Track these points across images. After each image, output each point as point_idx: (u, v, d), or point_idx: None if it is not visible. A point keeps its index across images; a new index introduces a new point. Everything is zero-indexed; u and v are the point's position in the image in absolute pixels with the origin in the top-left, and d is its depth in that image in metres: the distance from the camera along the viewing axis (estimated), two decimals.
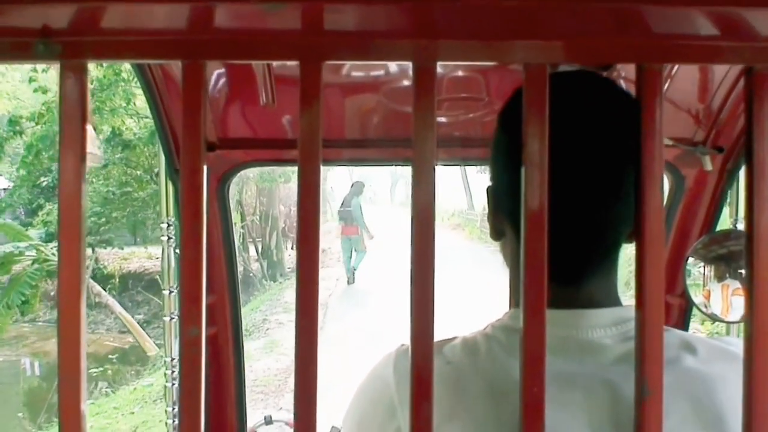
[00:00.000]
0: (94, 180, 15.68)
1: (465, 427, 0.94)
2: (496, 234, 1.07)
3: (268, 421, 2.45)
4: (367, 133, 1.92)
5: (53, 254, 13.38)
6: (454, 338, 1.04)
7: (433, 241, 0.67)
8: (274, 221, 21.46)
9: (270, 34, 0.69)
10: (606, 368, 0.95)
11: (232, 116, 1.84)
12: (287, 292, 16.13)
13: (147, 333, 15.36)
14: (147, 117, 13.98)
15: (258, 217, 21.51)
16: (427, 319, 0.67)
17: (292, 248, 22.83)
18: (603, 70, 1.24)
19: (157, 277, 17.64)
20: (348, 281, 16.49)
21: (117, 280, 18.80)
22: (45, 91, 12.38)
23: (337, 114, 1.81)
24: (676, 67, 1.52)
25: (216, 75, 1.64)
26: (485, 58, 0.69)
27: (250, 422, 2.30)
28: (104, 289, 17.35)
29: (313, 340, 0.67)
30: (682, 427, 0.91)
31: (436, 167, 0.67)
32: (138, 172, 15.73)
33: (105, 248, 18.17)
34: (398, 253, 12.82)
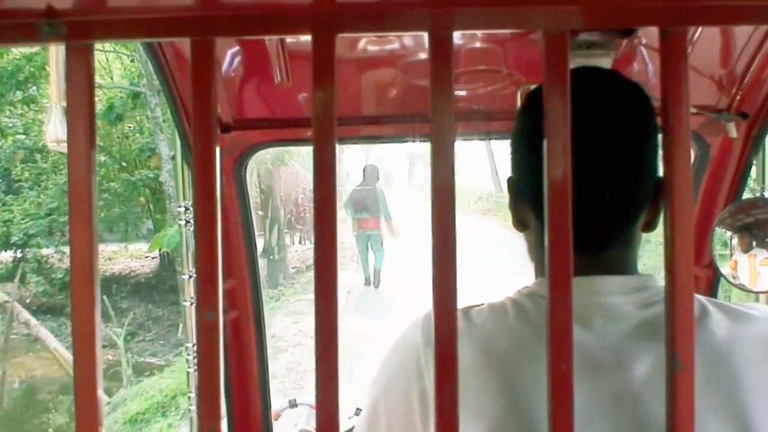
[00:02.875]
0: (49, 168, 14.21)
1: (492, 386, 0.96)
2: (520, 225, 1.11)
3: (293, 404, 2.46)
4: (383, 109, 1.90)
5: None
6: (481, 304, 1.07)
7: (454, 218, 0.65)
8: (276, 212, 17.65)
9: (280, 7, 0.67)
10: (624, 339, 0.97)
11: (247, 96, 1.83)
12: (278, 314, 12.29)
13: (131, 348, 13.23)
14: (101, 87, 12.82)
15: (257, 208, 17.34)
16: (450, 301, 0.65)
17: (300, 242, 20.07)
18: (625, 36, 1.22)
19: (144, 279, 16.16)
20: (365, 282, 14.32)
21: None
22: None
23: (353, 90, 1.80)
24: (698, 32, 1.49)
25: (230, 55, 1.62)
26: (503, 26, 0.67)
27: (275, 406, 2.30)
28: None
29: (333, 316, 0.66)
30: (709, 391, 0.93)
31: (455, 142, 0.65)
32: (102, 158, 14.15)
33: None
34: (421, 244, 9.84)
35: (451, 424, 0.65)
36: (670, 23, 0.65)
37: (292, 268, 17.07)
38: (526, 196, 1.07)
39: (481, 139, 2.01)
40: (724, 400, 0.93)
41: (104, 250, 16.76)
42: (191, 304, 1.95)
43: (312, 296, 0.66)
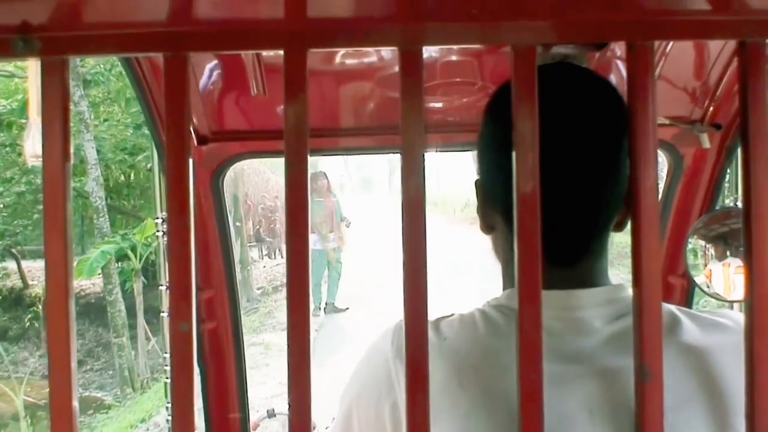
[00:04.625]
0: None
1: (462, 399, 0.95)
2: (487, 228, 1.09)
3: (271, 414, 2.45)
4: (358, 121, 1.91)
5: None
6: (451, 315, 1.05)
7: (425, 229, 0.66)
8: (239, 223, 14.80)
9: (253, 23, 0.68)
10: (596, 354, 0.96)
11: (224, 108, 1.83)
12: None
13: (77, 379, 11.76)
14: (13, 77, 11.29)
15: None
16: (421, 311, 0.66)
17: (270, 256, 17.72)
18: (597, 50, 1.23)
19: (94, 299, 13.83)
20: (318, 307, 11.60)
21: (41, 306, 12.78)
22: None
23: (328, 102, 1.80)
24: (670, 44, 1.51)
25: (207, 67, 1.63)
26: (472, 41, 0.68)
27: (253, 416, 2.29)
28: (25, 318, 13.34)
29: (305, 331, 0.66)
30: (690, 402, 0.92)
31: (426, 153, 0.66)
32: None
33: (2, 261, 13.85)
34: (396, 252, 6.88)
35: None
36: (636, 37, 0.66)
37: (257, 288, 14.70)
38: (493, 199, 1.05)
39: (458, 151, 2.01)
40: (710, 413, 0.92)
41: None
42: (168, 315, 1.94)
43: (272, 335, 0.67)
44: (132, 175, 14.45)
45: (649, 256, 0.67)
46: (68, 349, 0.66)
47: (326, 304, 11.83)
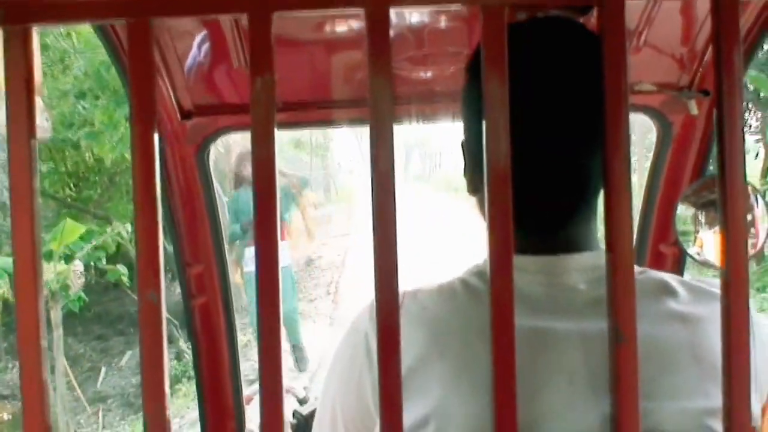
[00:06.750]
0: None
1: (442, 368, 0.94)
2: (473, 189, 1.07)
3: None
4: (336, 94, 1.89)
5: None
6: (430, 285, 1.05)
7: (395, 200, 0.65)
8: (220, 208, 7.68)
9: None
10: (578, 314, 0.95)
11: (208, 82, 1.81)
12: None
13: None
14: None
15: None
16: (391, 284, 0.65)
17: None
18: (582, 14, 1.22)
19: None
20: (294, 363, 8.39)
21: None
22: None
23: (305, 73, 1.78)
24: (656, 8, 1.49)
25: (189, 40, 1.61)
26: (441, 0, 0.66)
27: (246, 390, 2.30)
28: None
29: (276, 312, 0.65)
30: (677, 370, 0.92)
31: (394, 125, 0.65)
32: None
33: None
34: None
35: (394, 403, 0.65)
36: None
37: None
38: (477, 160, 1.01)
39: (448, 122, 1.99)
40: (697, 381, 0.91)
41: None
42: None
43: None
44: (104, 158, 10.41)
45: (621, 219, 0.66)
46: (37, 340, 0.65)
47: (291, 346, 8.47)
